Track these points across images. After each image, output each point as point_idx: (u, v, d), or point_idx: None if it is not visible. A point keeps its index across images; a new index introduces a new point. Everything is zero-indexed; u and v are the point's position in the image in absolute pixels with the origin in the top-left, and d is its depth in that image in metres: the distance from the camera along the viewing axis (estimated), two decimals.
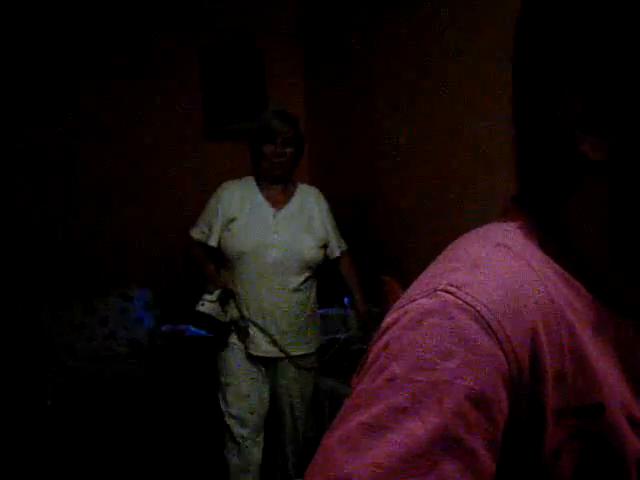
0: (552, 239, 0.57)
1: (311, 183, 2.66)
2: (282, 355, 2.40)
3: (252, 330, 2.37)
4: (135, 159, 3.40)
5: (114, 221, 3.36)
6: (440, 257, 0.57)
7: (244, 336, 2.38)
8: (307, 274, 2.41)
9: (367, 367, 0.51)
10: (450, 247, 0.59)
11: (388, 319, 0.52)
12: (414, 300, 0.51)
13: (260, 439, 2.46)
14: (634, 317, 0.58)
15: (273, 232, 2.36)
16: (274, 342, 2.37)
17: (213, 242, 2.40)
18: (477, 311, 0.48)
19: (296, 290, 2.38)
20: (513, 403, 0.48)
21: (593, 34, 0.50)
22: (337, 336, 2.77)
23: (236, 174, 2.52)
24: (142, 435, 2.79)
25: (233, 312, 2.39)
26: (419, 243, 2.81)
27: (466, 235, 0.59)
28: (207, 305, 2.30)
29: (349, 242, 2.62)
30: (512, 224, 0.58)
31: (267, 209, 2.40)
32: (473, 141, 2.42)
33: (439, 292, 0.50)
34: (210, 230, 2.40)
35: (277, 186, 2.43)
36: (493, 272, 0.51)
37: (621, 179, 0.53)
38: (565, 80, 0.52)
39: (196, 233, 2.45)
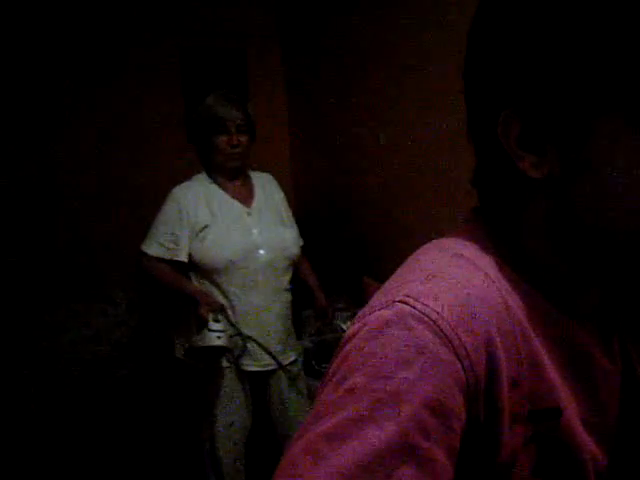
0: (509, 250, 0.59)
1: (294, 183, 2.61)
2: (276, 367, 2.18)
3: (250, 344, 2.11)
4: (116, 162, 3.38)
5: (97, 224, 3.34)
6: (400, 269, 0.59)
7: (241, 353, 2.10)
8: (292, 270, 2.25)
9: (330, 377, 0.52)
10: (410, 259, 0.60)
11: (350, 330, 0.54)
12: (374, 311, 0.53)
13: (242, 468, 2.25)
14: (589, 322, 0.60)
15: (254, 232, 2.13)
16: (270, 353, 2.14)
17: (183, 257, 2.08)
18: (433, 320, 0.49)
19: (286, 290, 2.21)
20: (470, 409, 0.50)
21: (530, 58, 0.51)
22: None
23: None
24: (128, 438, 2.79)
25: (228, 330, 2.05)
26: (402, 244, 2.82)
27: (425, 246, 0.61)
28: (223, 337, 1.97)
29: (331, 242, 2.60)
30: (471, 235, 0.60)
31: (239, 208, 2.15)
32: (455, 140, 2.43)
33: (397, 303, 0.51)
34: (177, 244, 2.08)
35: (236, 181, 2.20)
36: (449, 282, 0.53)
37: (560, 197, 0.54)
38: (505, 100, 0.54)
39: (156, 250, 2.09)
